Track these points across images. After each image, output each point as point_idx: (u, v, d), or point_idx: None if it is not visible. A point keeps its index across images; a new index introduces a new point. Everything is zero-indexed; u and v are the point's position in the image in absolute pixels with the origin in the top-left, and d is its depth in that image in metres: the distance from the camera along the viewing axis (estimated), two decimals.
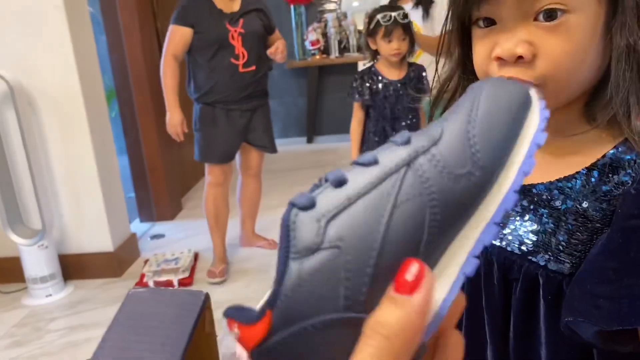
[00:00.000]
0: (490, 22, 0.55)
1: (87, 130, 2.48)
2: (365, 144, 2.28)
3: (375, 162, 0.30)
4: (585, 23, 0.51)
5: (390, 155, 0.30)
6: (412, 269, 0.27)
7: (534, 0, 0.51)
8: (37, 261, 2.44)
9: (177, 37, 2.36)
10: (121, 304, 0.67)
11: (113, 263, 2.62)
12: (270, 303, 0.28)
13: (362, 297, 0.27)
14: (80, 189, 2.55)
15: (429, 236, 0.29)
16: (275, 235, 2.97)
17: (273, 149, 2.73)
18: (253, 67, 2.44)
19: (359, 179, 0.30)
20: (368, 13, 2.20)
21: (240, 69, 2.41)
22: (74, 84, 2.44)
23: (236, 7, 2.42)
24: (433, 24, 2.43)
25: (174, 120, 2.42)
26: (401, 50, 2.12)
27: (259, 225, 3.15)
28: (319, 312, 0.27)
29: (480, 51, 0.56)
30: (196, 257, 2.74)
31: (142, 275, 2.52)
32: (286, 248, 0.29)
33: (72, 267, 2.59)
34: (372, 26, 2.11)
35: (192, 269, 2.60)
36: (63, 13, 2.35)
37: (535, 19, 0.52)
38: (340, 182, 0.30)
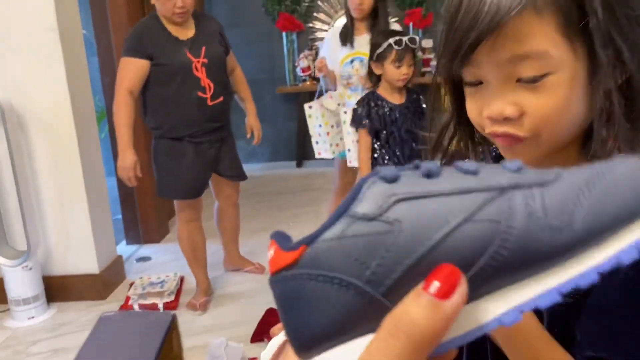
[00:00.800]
0: (478, 81, 0.56)
1: (76, 151, 2.48)
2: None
3: (474, 173, 0.30)
4: (567, 79, 0.53)
5: (492, 174, 0.30)
6: (452, 274, 0.27)
7: (513, 67, 0.52)
8: (20, 282, 2.41)
9: (133, 70, 2.15)
10: (93, 327, 0.68)
11: (98, 285, 2.59)
12: (308, 241, 0.29)
13: (389, 281, 0.27)
14: (68, 209, 2.54)
15: (484, 265, 0.28)
16: (261, 259, 2.96)
17: (244, 176, 2.64)
18: (221, 99, 2.31)
19: (450, 180, 0.29)
20: (372, 39, 2.21)
21: (209, 102, 2.27)
22: (65, 105, 2.45)
23: (191, 32, 2.27)
24: (418, 66, 2.62)
25: (126, 162, 2.21)
26: (409, 75, 2.14)
27: (244, 249, 3.14)
28: (343, 271, 0.28)
29: (472, 108, 0.58)
30: (182, 280, 2.72)
31: (127, 298, 2.49)
32: (347, 205, 0.29)
33: (56, 289, 2.56)
34: (380, 51, 2.10)
35: (178, 293, 2.58)
36: (57, 35, 2.37)
37: (519, 80, 0.53)
38: (429, 174, 0.29)
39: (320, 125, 2.58)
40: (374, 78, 2.19)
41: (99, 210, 2.64)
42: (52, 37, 2.37)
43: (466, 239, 0.28)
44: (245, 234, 3.36)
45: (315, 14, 4.85)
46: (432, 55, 4.71)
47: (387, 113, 2.18)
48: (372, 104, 2.19)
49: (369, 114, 2.18)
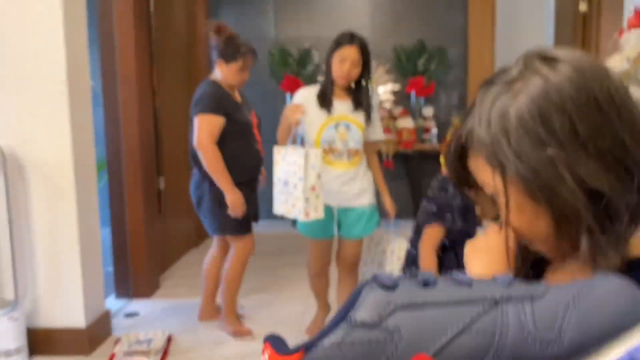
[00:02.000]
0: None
1: (74, 202, 2.46)
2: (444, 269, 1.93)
3: (468, 284, 0.31)
4: (523, 212, 0.62)
5: (485, 286, 0.31)
6: None
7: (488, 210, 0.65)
8: (4, 333, 2.33)
9: (215, 125, 2.48)
10: None
11: (83, 340, 2.51)
12: (307, 346, 0.30)
13: None
14: (60, 261, 2.50)
15: None
16: (251, 320, 2.89)
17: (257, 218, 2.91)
18: (263, 152, 2.75)
19: (445, 290, 0.31)
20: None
21: (262, 154, 2.73)
22: (66, 156, 2.45)
23: (239, 98, 2.67)
24: (374, 127, 2.44)
25: (238, 200, 2.52)
26: None
27: (238, 310, 3.08)
28: None
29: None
30: (169, 339, 2.64)
31: (112, 355, 2.41)
32: (346, 310, 0.30)
33: (40, 342, 2.48)
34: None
35: (165, 352, 2.50)
36: (65, 87, 2.41)
37: None
38: (426, 283, 0.31)
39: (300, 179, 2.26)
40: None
41: (91, 263, 2.60)
42: (60, 89, 2.41)
43: (463, 348, 0.29)
44: (239, 293, 3.30)
45: (318, 77, 4.96)
46: (432, 123, 4.79)
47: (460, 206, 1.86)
48: (450, 192, 1.87)
49: (448, 205, 1.86)
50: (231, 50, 2.58)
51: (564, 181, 0.57)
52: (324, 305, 2.68)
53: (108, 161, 3.28)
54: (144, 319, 2.98)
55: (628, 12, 3.95)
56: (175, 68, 4.11)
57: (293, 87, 4.78)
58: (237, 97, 2.66)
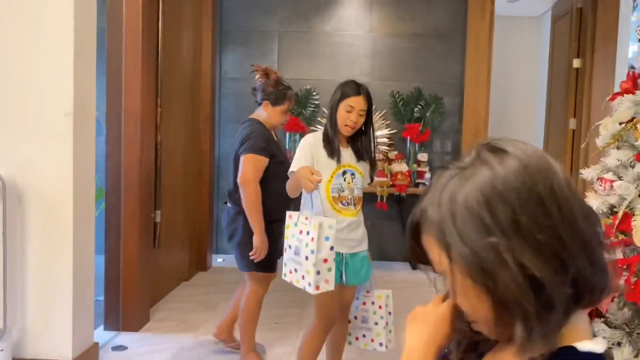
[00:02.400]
0: None
1: (70, 233, 2.48)
2: None
3: None
4: (467, 294, 0.66)
5: None
6: None
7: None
8: None
9: (261, 165, 2.62)
10: None
11: None
12: None
13: None
14: (51, 292, 2.50)
15: None
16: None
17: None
18: None
19: None
20: None
21: None
22: (66, 186, 2.48)
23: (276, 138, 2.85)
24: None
25: (264, 244, 2.63)
26: None
27: (228, 349, 3.07)
28: None
29: None
30: None
31: None
32: None
33: None
34: None
35: None
36: (71, 120, 2.46)
37: None
38: None
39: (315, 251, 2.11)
40: None
41: (83, 293, 2.60)
42: (65, 121, 2.46)
43: None
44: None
45: (318, 119, 5.06)
46: (426, 168, 4.87)
47: None
48: None
49: None
50: (280, 93, 2.75)
51: (506, 267, 0.61)
52: None
53: (107, 192, 3.31)
54: (131, 353, 2.96)
55: (620, 69, 4.10)
56: (179, 104, 4.19)
57: (294, 127, 4.87)
58: (274, 135, 2.81)
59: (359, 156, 2.40)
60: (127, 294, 3.27)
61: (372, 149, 2.44)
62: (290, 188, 2.33)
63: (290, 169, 2.31)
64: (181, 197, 4.34)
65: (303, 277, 2.13)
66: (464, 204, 0.63)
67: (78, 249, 2.53)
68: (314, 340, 2.38)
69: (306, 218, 2.15)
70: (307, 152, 2.31)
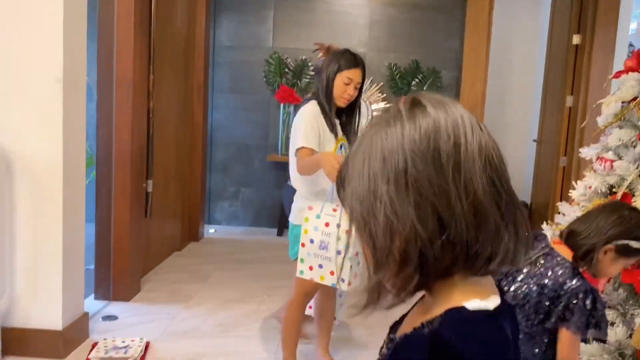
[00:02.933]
0: None
1: (60, 202, 2.44)
2: None
3: None
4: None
5: None
6: None
7: None
8: None
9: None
10: None
11: (59, 343, 2.47)
12: None
13: None
14: (41, 260, 2.46)
15: None
16: (232, 332, 2.88)
17: None
18: None
19: None
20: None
21: None
22: (56, 154, 2.42)
23: None
24: None
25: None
26: None
27: (216, 319, 3.06)
28: None
29: None
30: (147, 346, 2.61)
31: None
32: None
33: (14, 342, 2.43)
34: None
35: None
36: (60, 86, 2.39)
37: None
38: None
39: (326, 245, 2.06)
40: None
41: (73, 262, 2.57)
42: (55, 87, 2.38)
43: None
44: (219, 303, 3.29)
45: (313, 92, 4.98)
46: None
47: None
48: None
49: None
50: None
51: (378, 215, 0.62)
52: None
53: (98, 160, 3.24)
54: (122, 323, 2.94)
55: (620, 48, 4.04)
56: (172, 73, 4.09)
57: (287, 98, 4.79)
58: None
59: (344, 129, 2.34)
60: (118, 263, 3.24)
61: (357, 124, 2.37)
62: (306, 167, 2.15)
63: (300, 144, 2.15)
64: (173, 167, 4.29)
65: (332, 274, 2.04)
66: (365, 151, 0.64)
67: (68, 218, 2.49)
68: (292, 311, 2.35)
69: (334, 210, 2.04)
70: (315, 125, 2.20)
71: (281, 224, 5.06)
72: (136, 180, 3.29)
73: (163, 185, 3.97)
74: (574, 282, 1.47)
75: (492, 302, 0.65)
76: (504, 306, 0.67)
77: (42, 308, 2.48)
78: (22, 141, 2.41)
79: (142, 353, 2.51)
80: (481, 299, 0.64)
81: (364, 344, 2.82)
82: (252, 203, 5.39)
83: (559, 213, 2.31)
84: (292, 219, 2.32)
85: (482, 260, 0.63)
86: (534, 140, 4.96)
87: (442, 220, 0.61)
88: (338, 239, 2.01)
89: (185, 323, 2.99)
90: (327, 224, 2.05)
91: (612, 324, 1.87)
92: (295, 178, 2.30)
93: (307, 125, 2.18)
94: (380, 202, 0.62)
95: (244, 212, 5.42)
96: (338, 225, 2.02)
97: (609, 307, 1.92)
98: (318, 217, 2.08)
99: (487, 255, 0.63)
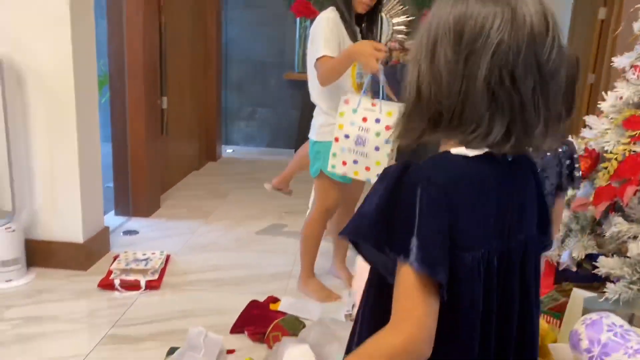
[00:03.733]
0: None
1: (73, 114, 2.41)
2: None
3: None
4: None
5: None
6: None
7: None
8: (1, 244, 2.34)
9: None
10: None
11: (81, 255, 2.53)
12: None
13: None
14: (59, 174, 2.47)
15: None
16: (250, 246, 2.92)
17: None
18: None
19: None
20: None
21: None
22: (67, 66, 2.37)
23: None
24: None
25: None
26: None
27: (232, 235, 3.10)
28: None
29: None
30: (167, 259, 2.66)
31: (109, 272, 2.43)
32: None
33: (38, 254, 2.49)
34: None
35: (162, 272, 2.52)
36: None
37: None
38: None
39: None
40: None
41: (90, 177, 2.57)
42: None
43: None
44: (237, 220, 3.32)
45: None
46: None
47: None
48: None
49: None
50: None
51: (413, 70, 0.79)
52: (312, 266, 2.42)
53: (110, 76, 3.19)
54: (142, 237, 3.00)
55: None
56: None
57: (304, 11, 4.60)
58: None
59: (364, 39, 2.20)
60: (136, 180, 3.26)
61: (379, 34, 2.25)
62: (331, 71, 2.01)
63: (322, 52, 2.01)
64: (188, 85, 4.21)
65: (368, 169, 1.99)
66: (429, 18, 0.79)
67: (83, 132, 2.47)
68: (313, 226, 2.35)
69: (373, 105, 1.95)
70: (335, 32, 2.06)
71: (298, 144, 5.02)
72: (150, 95, 3.24)
73: (178, 103, 3.92)
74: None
75: (472, 152, 0.76)
76: (496, 158, 0.77)
77: (63, 221, 2.51)
78: (32, 55, 2.35)
79: (163, 265, 2.56)
80: (464, 148, 0.77)
81: None
82: (270, 123, 5.34)
83: (585, 127, 2.21)
84: (313, 135, 2.26)
85: (467, 134, 0.75)
86: None
87: (440, 89, 0.75)
88: (377, 134, 1.94)
89: (205, 237, 3.04)
90: (364, 119, 1.96)
91: (635, 237, 1.83)
92: (315, 93, 2.22)
93: (326, 33, 2.06)
94: (419, 63, 0.78)
95: (261, 132, 5.38)
96: (377, 120, 1.94)
97: (632, 221, 1.87)
98: (354, 111, 1.97)
99: (472, 131, 0.74)
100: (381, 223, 0.74)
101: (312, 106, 2.27)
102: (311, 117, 2.30)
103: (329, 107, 2.16)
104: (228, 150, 5.22)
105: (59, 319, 2.11)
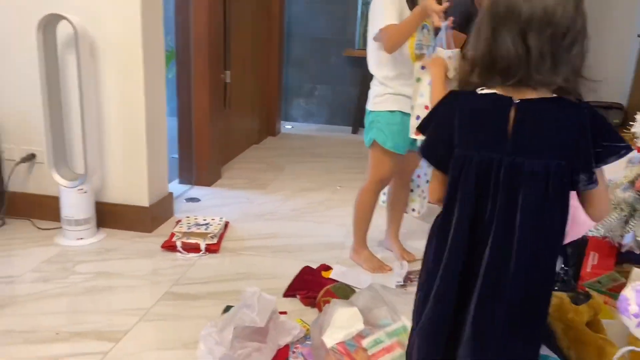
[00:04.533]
0: None
1: (142, 84, 2.52)
2: None
3: None
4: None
5: None
6: None
7: None
8: (74, 204, 2.51)
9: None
10: None
11: (146, 218, 2.67)
12: None
13: None
14: (127, 141, 2.61)
15: None
16: (306, 216, 2.98)
17: None
18: None
19: None
20: None
21: None
22: (136, 40, 2.48)
23: None
24: None
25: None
26: None
27: (294, 206, 3.17)
28: None
29: None
30: (226, 225, 2.76)
31: (172, 235, 2.56)
32: None
33: (107, 215, 2.65)
34: None
35: (221, 237, 2.62)
36: None
37: None
38: None
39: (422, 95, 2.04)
40: None
41: (156, 145, 2.70)
42: None
43: None
44: (294, 192, 3.39)
45: None
46: None
47: None
48: None
49: None
50: None
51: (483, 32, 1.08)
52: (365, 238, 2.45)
53: (177, 50, 3.31)
54: (203, 205, 3.12)
55: None
56: None
57: None
58: None
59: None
60: (200, 151, 3.38)
61: None
62: (399, 33, 2.01)
63: (386, 22, 2.02)
64: (250, 60, 4.30)
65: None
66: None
67: (150, 101, 2.58)
68: (365, 197, 2.37)
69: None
70: (396, 2, 2.07)
71: (357, 121, 5.04)
72: (214, 69, 3.34)
73: (241, 78, 4.01)
74: None
75: (492, 90, 1.07)
76: (500, 96, 1.07)
77: (131, 186, 2.66)
78: (105, 27, 2.47)
79: (222, 230, 2.66)
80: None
81: None
82: (328, 100, 5.36)
83: None
84: (368, 105, 2.28)
85: (502, 77, 1.05)
86: (639, 35, 4.52)
87: (486, 46, 1.06)
88: (420, 95, 2.02)
89: (262, 207, 3.13)
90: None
91: None
92: (372, 63, 2.23)
93: (387, 3, 2.07)
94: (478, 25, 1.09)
95: (320, 109, 5.42)
96: (418, 79, 2.03)
97: None
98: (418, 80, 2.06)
99: (504, 76, 1.04)
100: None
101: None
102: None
103: (384, 76, 2.17)
104: (287, 127, 5.30)
105: (125, 275, 2.25)
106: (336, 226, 2.86)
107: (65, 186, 2.51)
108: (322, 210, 3.13)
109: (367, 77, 2.33)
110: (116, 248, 2.51)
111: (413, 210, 2.63)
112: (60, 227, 2.57)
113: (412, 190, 2.63)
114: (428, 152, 1.16)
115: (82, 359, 1.70)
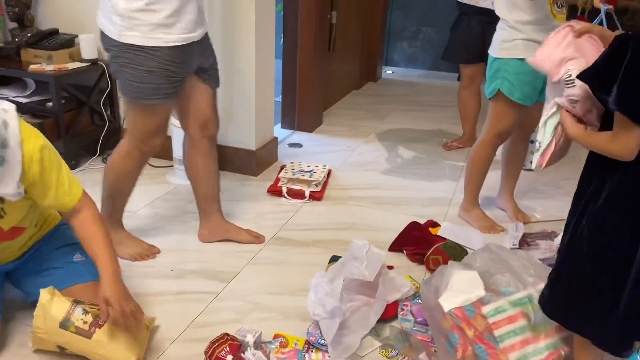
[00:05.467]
0: None
1: (252, 29, 2.48)
2: None
3: None
4: None
5: None
6: None
7: None
8: None
9: None
10: None
11: (252, 162, 2.69)
12: None
13: None
14: (236, 86, 2.60)
15: None
16: (415, 169, 2.89)
17: None
18: None
19: None
20: None
21: None
22: None
23: None
24: None
25: None
26: None
27: (397, 156, 3.09)
28: None
29: None
30: (329, 173, 2.73)
31: (277, 180, 2.57)
32: None
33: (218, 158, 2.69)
34: None
35: (325, 185, 2.60)
36: None
37: None
38: None
39: None
40: None
41: (264, 90, 2.68)
42: None
43: None
44: (396, 141, 3.30)
45: None
46: None
47: None
48: None
49: None
50: None
51: None
52: None
53: None
54: (305, 151, 3.11)
55: None
56: None
57: None
58: None
59: None
60: (303, 95, 3.34)
61: None
62: None
63: None
64: (355, 2, 4.13)
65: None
66: None
67: (260, 45, 2.55)
68: (482, 151, 2.23)
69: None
70: None
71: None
72: (322, 9, 3.23)
73: (344, 21, 3.89)
74: None
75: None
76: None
77: (239, 130, 2.68)
78: None
79: (325, 178, 2.64)
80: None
81: (550, 194, 2.65)
82: (433, 44, 5.11)
83: None
84: (493, 51, 2.09)
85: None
86: None
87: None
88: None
89: (364, 156, 3.07)
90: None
91: None
92: (503, 5, 2.03)
93: None
94: None
95: (424, 54, 5.19)
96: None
97: None
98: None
99: None
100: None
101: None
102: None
103: (516, 20, 1.96)
104: (388, 72, 5.14)
105: (233, 217, 2.29)
106: (444, 181, 2.75)
107: (177, 126, 2.56)
108: (428, 163, 3.01)
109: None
110: (223, 189, 2.54)
111: (531, 163, 2.40)
112: (172, 167, 2.65)
113: (531, 142, 2.43)
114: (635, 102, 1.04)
115: (198, 297, 1.76)
